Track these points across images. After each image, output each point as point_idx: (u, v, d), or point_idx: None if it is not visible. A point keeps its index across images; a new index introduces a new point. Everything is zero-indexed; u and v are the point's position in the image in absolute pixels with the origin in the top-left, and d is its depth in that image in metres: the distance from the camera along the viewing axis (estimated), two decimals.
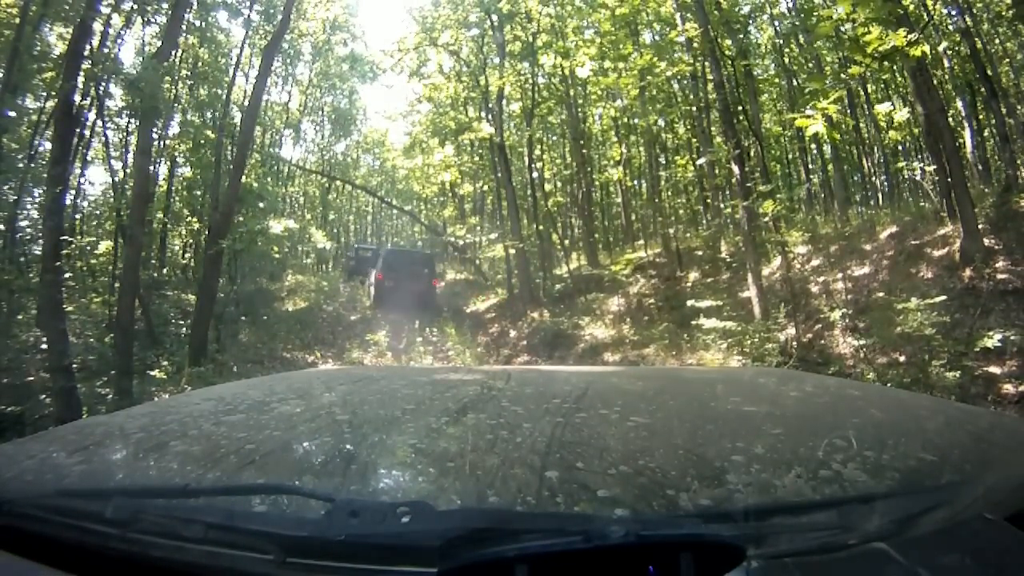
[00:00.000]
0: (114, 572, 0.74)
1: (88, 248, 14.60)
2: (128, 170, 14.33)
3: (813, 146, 16.63)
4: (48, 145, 11.08)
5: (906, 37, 5.00)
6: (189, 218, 17.67)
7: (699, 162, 13.95)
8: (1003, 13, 12.15)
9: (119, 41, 14.48)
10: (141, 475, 1.05)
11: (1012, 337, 6.37)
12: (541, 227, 17.45)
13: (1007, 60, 13.78)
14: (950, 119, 11.56)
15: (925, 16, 9.71)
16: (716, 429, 1.23)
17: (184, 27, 13.63)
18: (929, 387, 5.94)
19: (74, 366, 8.13)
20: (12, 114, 9.48)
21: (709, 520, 0.78)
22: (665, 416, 1.40)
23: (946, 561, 0.69)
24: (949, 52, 12.32)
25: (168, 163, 16.92)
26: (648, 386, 1.86)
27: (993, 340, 6.19)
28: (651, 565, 0.66)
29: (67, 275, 10.52)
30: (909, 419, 1.36)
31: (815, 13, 12.90)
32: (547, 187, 21.21)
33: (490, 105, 16.94)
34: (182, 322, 13.09)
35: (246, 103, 14.67)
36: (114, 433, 1.28)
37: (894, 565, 0.65)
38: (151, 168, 13.18)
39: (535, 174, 19.13)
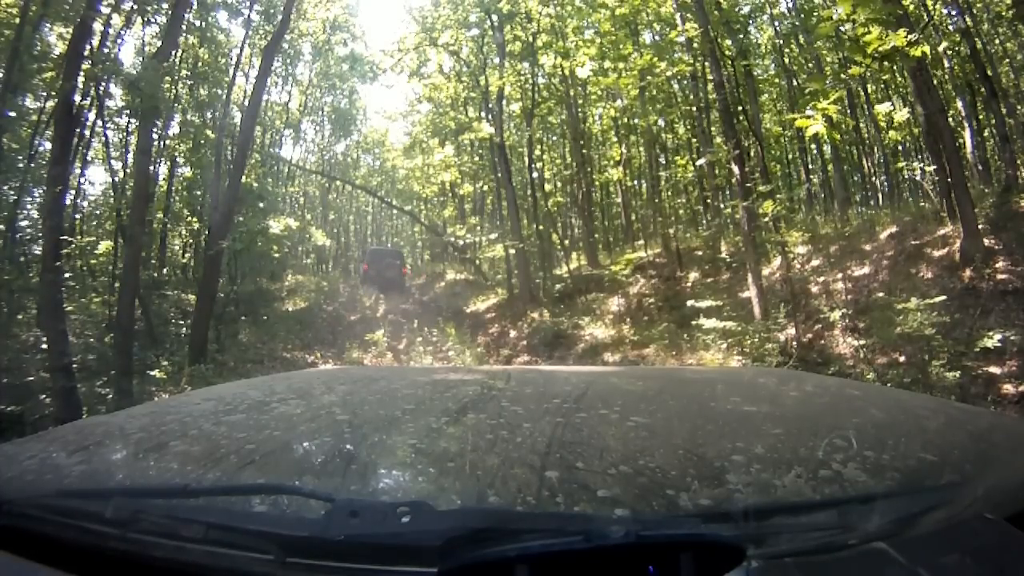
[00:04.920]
0: (114, 572, 0.74)
1: (88, 248, 14.59)
2: (128, 170, 14.33)
3: (813, 146, 16.64)
4: (48, 145, 11.09)
5: (906, 37, 5.01)
6: (189, 218, 17.66)
7: (699, 162, 13.90)
8: (1003, 13, 12.15)
9: (119, 41, 14.50)
10: (141, 475, 1.05)
11: (1012, 337, 6.37)
12: (541, 227, 17.43)
13: (1007, 60, 13.78)
14: (950, 119, 11.56)
15: (925, 16, 9.72)
16: (716, 429, 1.23)
17: (184, 27, 13.62)
18: (929, 387, 5.94)
19: (74, 366, 8.13)
20: (12, 114, 9.48)
21: (709, 520, 0.78)
22: (665, 416, 1.40)
23: (946, 561, 0.69)
24: (949, 52, 12.31)
25: (168, 163, 16.92)
26: (648, 386, 1.86)
27: (993, 340, 6.20)
28: (651, 565, 0.66)
29: (67, 275, 10.53)
30: (909, 419, 1.36)
31: (815, 13, 12.91)
32: (547, 187, 21.19)
33: (490, 105, 16.94)
34: (182, 322, 13.09)
35: (246, 103, 14.68)
36: (114, 433, 1.28)
37: (894, 565, 0.65)
38: (151, 168, 13.18)
39: (535, 174, 19.14)
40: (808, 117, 5.47)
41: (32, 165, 11.03)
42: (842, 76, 6.93)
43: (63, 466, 1.06)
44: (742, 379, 2.25)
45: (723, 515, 0.81)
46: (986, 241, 8.05)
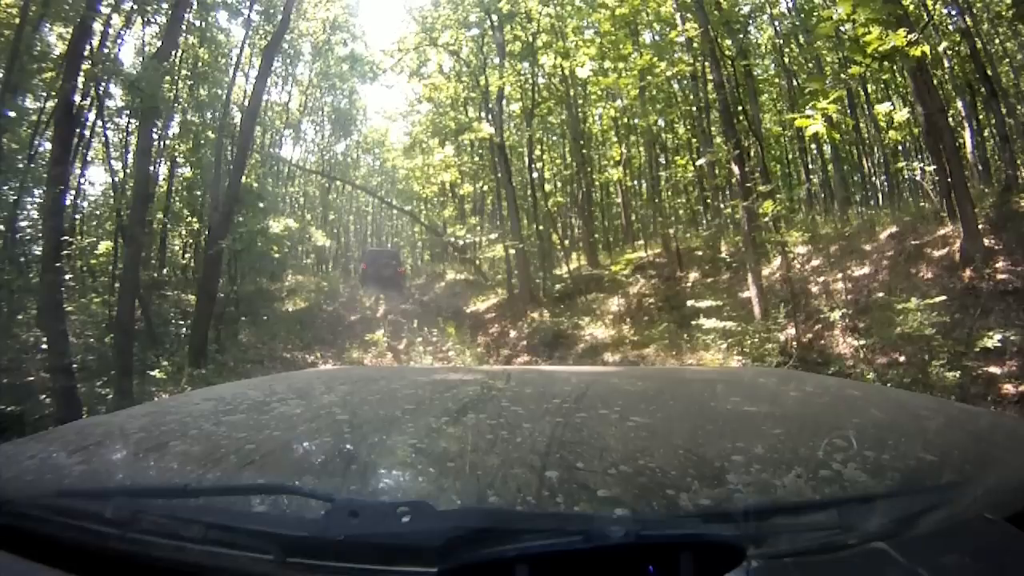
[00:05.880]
0: (114, 572, 0.74)
1: (88, 248, 14.59)
2: (128, 170, 14.33)
3: (813, 146, 16.62)
4: (48, 145, 11.09)
5: (906, 37, 5.01)
6: (189, 218, 17.66)
7: (699, 162, 13.90)
8: (1003, 13, 12.15)
9: (119, 41, 14.50)
10: (141, 475, 1.05)
11: (1012, 337, 6.36)
12: (541, 227, 17.44)
13: (1007, 60, 13.78)
14: (950, 119, 11.55)
15: (925, 16, 9.72)
16: (716, 429, 1.23)
17: (184, 27, 13.61)
18: (929, 387, 5.94)
19: (74, 366, 8.13)
20: (12, 114, 9.48)
21: (709, 520, 0.78)
22: (665, 416, 1.39)
23: (946, 561, 0.69)
24: (949, 52, 12.30)
25: (168, 163, 16.90)
26: (648, 386, 1.85)
27: (993, 340, 6.19)
28: (651, 565, 0.66)
29: (67, 275, 10.52)
30: (909, 419, 1.36)
31: (815, 13, 12.90)
32: (547, 187, 21.20)
33: (490, 105, 16.94)
34: (182, 322, 13.09)
35: (246, 103, 14.67)
36: (114, 433, 1.28)
37: (894, 565, 0.65)
38: (151, 168, 13.18)
39: (535, 174, 19.14)
40: (808, 117, 5.48)
41: (32, 165, 11.02)
42: (842, 76, 6.94)
43: (63, 466, 1.06)
44: (742, 379, 2.25)
45: (723, 515, 0.80)
46: (986, 241, 8.05)
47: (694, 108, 14.81)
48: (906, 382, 6.32)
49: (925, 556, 0.67)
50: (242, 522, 0.78)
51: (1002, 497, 0.83)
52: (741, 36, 13.92)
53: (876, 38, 5.13)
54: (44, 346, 8.32)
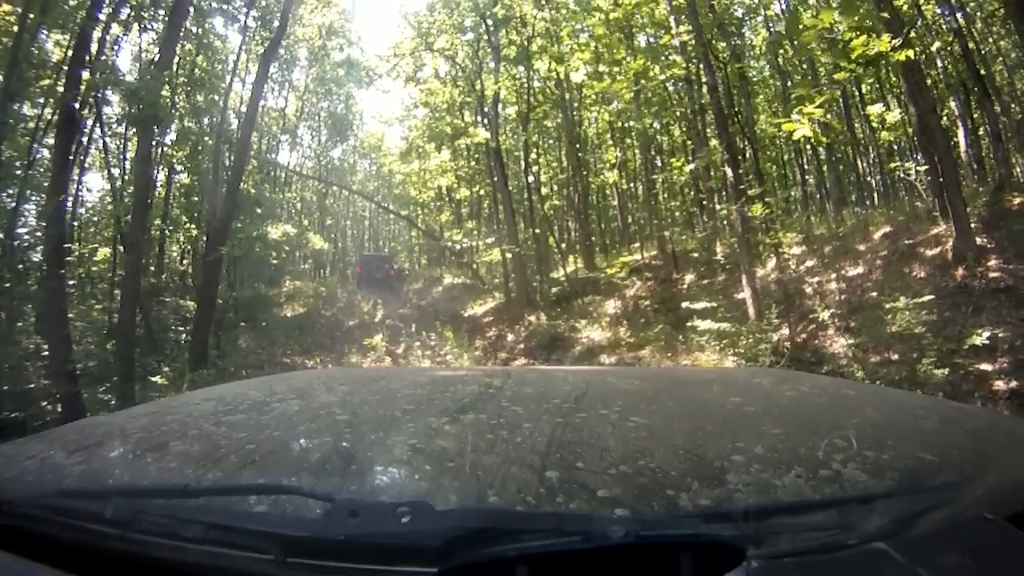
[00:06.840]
0: (114, 572, 0.74)
1: (87, 255, 14.57)
2: (127, 176, 14.32)
3: (808, 147, 16.67)
4: (45, 152, 11.09)
5: (890, 43, 5.02)
6: (187, 224, 17.63)
7: (690, 166, 13.92)
8: (996, 12, 12.21)
9: (116, 47, 14.49)
10: (141, 475, 1.05)
11: (1002, 334, 6.39)
12: (538, 231, 17.42)
13: (1000, 59, 13.85)
14: (945, 118, 11.59)
15: (919, 16, 9.76)
16: (716, 429, 1.23)
17: (182, 34, 13.61)
18: (918, 384, 5.96)
19: (76, 372, 8.12)
20: (11, 122, 9.48)
21: (709, 520, 0.78)
22: (665, 416, 1.39)
23: (946, 561, 0.69)
24: (942, 52, 12.36)
25: (166, 170, 16.88)
26: (648, 386, 1.85)
27: (982, 338, 6.20)
28: (651, 565, 0.66)
29: (70, 282, 10.50)
30: (909, 419, 1.36)
31: (800, 24, 12.93)
32: (543, 191, 21.17)
33: (486, 110, 16.96)
34: (182, 328, 13.10)
35: (243, 109, 14.70)
36: (114, 433, 1.28)
37: (894, 565, 0.66)
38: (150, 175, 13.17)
39: (531, 178, 19.12)
40: (795, 121, 5.48)
41: (30, 172, 11.02)
42: (831, 80, 6.95)
43: (63, 466, 1.06)
44: (741, 380, 2.25)
45: (723, 515, 0.81)
46: (978, 240, 8.08)
47: (689, 111, 14.84)
48: (896, 380, 6.33)
49: (925, 556, 0.68)
50: (242, 522, 0.78)
51: (1002, 497, 0.83)
52: (735, 39, 13.98)
53: (861, 44, 5.14)
54: (45, 353, 8.32)
